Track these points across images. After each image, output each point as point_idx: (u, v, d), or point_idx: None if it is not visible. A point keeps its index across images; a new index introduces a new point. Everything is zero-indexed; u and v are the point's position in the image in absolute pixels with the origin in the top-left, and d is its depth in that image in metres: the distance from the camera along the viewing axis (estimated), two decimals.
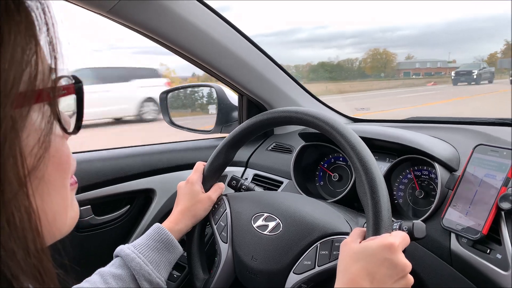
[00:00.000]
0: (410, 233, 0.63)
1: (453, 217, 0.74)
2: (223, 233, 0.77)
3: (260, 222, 0.73)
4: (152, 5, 0.86)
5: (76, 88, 0.33)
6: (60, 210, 0.34)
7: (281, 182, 1.13)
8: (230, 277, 0.75)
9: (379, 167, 1.00)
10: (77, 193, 0.97)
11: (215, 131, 1.41)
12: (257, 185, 1.19)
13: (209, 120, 1.41)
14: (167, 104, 1.51)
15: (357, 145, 0.63)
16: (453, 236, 0.75)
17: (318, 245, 0.66)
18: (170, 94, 1.51)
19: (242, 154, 1.27)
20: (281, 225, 0.71)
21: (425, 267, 0.80)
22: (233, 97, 1.36)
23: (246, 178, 1.22)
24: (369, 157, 0.62)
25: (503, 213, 0.69)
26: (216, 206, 0.82)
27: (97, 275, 0.73)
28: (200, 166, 0.86)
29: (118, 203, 1.06)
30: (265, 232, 0.72)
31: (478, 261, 0.69)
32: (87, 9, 0.80)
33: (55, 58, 0.29)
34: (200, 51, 1.04)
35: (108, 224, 1.03)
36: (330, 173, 1.10)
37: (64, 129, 0.33)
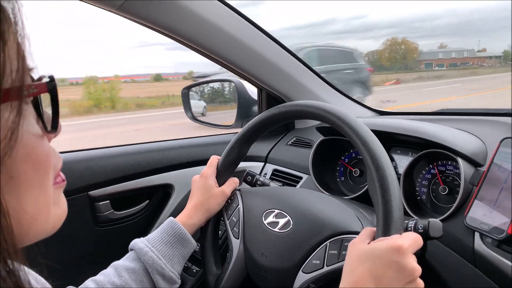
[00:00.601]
0: (426, 232, 0.60)
1: (477, 215, 0.70)
2: (235, 228, 0.76)
3: (271, 218, 0.72)
4: (163, 2, 0.86)
5: (49, 86, 0.32)
6: (41, 209, 0.34)
7: (300, 178, 1.11)
8: (241, 273, 0.74)
9: (402, 162, 0.98)
10: (96, 188, 1.00)
11: (236, 126, 1.40)
12: (276, 180, 1.19)
13: None
14: (189, 100, 1.52)
15: (369, 141, 0.60)
16: (477, 235, 0.71)
17: (328, 244, 0.64)
18: (192, 90, 1.52)
19: (261, 149, 1.26)
20: (291, 223, 0.70)
21: (447, 267, 0.76)
22: (253, 91, 1.34)
23: (266, 174, 1.21)
24: (381, 153, 0.59)
25: None
26: (229, 201, 0.81)
27: (112, 268, 0.74)
28: (214, 160, 0.85)
29: (137, 198, 1.08)
30: (275, 229, 0.70)
31: (503, 262, 0.65)
32: (98, 6, 0.81)
33: (23, 57, 0.29)
34: (213, 46, 1.03)
35: (128, 219, 1.05)
36: (351, 168, 1.07)
37: (44, 128, 0.33)
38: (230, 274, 0.75)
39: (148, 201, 1.09)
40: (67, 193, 0.98)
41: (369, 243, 0.55)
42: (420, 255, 0.80)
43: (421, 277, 0.80)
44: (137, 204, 1.07)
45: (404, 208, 0.86)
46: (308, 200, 0.74)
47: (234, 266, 0.74)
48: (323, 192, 1.01)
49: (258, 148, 1.27)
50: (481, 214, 0.70)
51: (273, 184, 0.91)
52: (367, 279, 0.51)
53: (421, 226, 0.60)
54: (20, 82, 0.28)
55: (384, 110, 1.43)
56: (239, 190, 0.83)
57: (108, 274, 0.73)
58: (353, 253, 0.54)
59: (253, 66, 1.12)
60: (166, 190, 1.10)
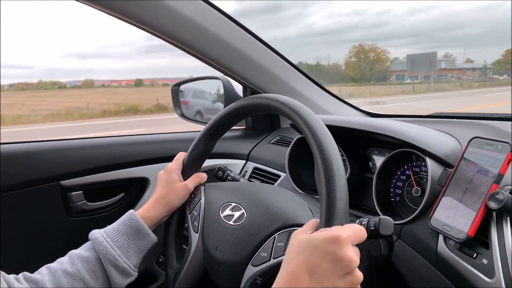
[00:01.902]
0: (377, 229, 0.58)
1: (442, 217, 0.68)
2: (195, 222, 0.75)
3: (227, 211, 0.71)
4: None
5: None
6: None
7: (279, 176, 1.09)
8: (199, 268, 0.73)
9: (378, 163, 0.95)
10: (68, 178, 1.00)
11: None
12: (256, 178, 1.17)
13: None
14: (179, 97, 1.52)
15: (317, 130, 0.58)
16: (441, 237, 0.68)
17: (276, 236, 0.63)
18: (181, 87, 1.52)
19: (244, 147, 1.25)
20: (245, 215, 0.68)
21: (410, 269, 0.73)
22: (240, 88, 1.34)
23: (246, 171, 1.19)
24: (329, 144, 0.57)
25: (494, 214, 0.62)
26: (192, 195, 0.80)
27: (67, 256, 0.73)
28: (181, 156, 0.84)
29: (112, 191, 1.07)
30: (230, 222, 0.69)
31: (462, 266, 0.63)
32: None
33: None
34: (197, 44, 1.03)
35: (102, 211, 1.04)
36: None
37: None
38: (188, 268, 0.73)
39: (123, 193, 1.08)
40: (37, 181, 0.99)
41: (310, 234, 0.53)
42: (386, 258, 0.78)
43: (386, 280, 0.78)
44: (112, 196, 1.07)
45: (374, 209, 0.84)
46: (264, 194, 0.72)
47: (192, 260, 0.73)
48: (297, 190, 0.99)
49: (241, 146, 1.26)
50: (445, 215, 0.67)
51: (243, 180, 0.90)
52: (302, 269, 0.49)
53: (373, 223, 0.58)
54: None
55: (375, 112, 1.41)
56: (203, 185, 0.82)
57: (62, 262, 0.72)
58: (292, 244, 0.53)
59: (235, 64, 1.12)
60: (142, 184, 1.10)
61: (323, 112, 1.29)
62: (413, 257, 0.73)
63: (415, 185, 0.83)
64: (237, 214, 0.69)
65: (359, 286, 0.51)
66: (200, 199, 0.77)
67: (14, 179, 0.93)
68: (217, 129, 0.79)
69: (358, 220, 0.62)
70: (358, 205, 0.95)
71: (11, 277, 0.66)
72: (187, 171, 0.82)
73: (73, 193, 0.99)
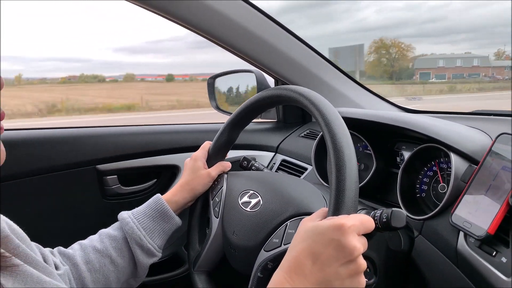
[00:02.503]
0: (388, 221, 0.58)
1: (463, 213, 0.66)
2: (216, 208, 0.78)
3: (245, 198, 0.73)
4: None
5: None
6: None
7: (306, 169, 1.10)
8: (219, 252, 0.76)
9: (406, 157, 0.93)
10: (103, 163, 1.07)
11: (264, 117, 1.42)
12: (283, 170, 1.18)
13: None
14: (214, 90, 1.56)
15: (331, 121, 0.58)
16: (461, 234, 0.67)
17: (288, 223, 0.64)
18: (217, 80, 1.55)
19: (274, 139, 1.27)
20: (261, 202, 0.70)
21: (429, 265, 0.72)
22: (273, 82, 1.35)
23: (274, 163, 1.21)
24: (342, 134, 0.57)
25: None
26: (215, 183, 0.83)
27: (98, 234, 0.79)
28: (206, 144, 0.88)
29: (145, 176, 1.13)
30: (247, 209, 0.71)
31: (481, 264, 0.61)
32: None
33: None
34: (230, 39, 1.06)
35: (135, 195, 1.10)
36: (357, 162, 1.04)
37: None
38: (207, 251, 0.77)
39: (156, 180, 1.14)
40: (76, 164, 1.06)
41: (318, 222, 0.54)
42: (406, 253, 0.77)
43: (405, 276, 0.77)
44: (145, 182, 1.12)
45: (398, 204, 0.83)
46: (281, 183, 0.74)
47: (211, 243, 0.76)
48: (322, 183, 0.99)
49: (271, 138, 1.27)
50: (466, 212, 0.65)
51: (266, 170, 0.91)
52: (305, 255, 0.50)
53: (385, 215, 0.58)
54: None
55: (411, 108, 1.38)
56: (227, 173, 0.85)
57: (92, 239, 0.78)
58: (299, 230, 0.54)
59: (267, 58, 1.13)
60: (173, 171, 1.14)
61: (355, 105, 1.28)
62: (433, 253, 0.72)
63: (441, 182, 0.81)
64: (254, 201, 0.71)
65: (362, 275, 0.52)
66: (222, 186, 0.80)
67: (55, 162, 1.01)
68: (240, 120, 0.81)
69: (372, 212, 0.63)
70: (384, 200, 0.94)
71: (47, 250, 0.72)
72: (212, 160, 0.85)
73: (108, 177, 1.06)
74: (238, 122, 0.82)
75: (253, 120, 1.41)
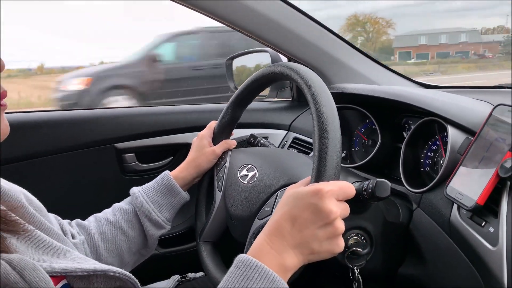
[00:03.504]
0: (373, 191, 0.59)
1: (456, 185, 0.66)
2: (219, 183, 0.81)
3: (243, 172, 0.76)
4: None
5: None
6: None
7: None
8: (222, 223, 0.80)
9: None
10: (122, 141, 1.13)
11: (270, 96, 1.44)
12: (294, 148, 1.21)
13: None
14: (232, 70, 1.58)
15: (317, 92, 0.60)
16: (455, 206, 0.67)
17: (278, 193, 0.67)
18: (234, 60, 1.58)
19: (286, 117, 1.29)
20: (257, 175, 0.73)
21: (426, 237, 0.73)
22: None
23: (286, 141, 1.23)
24: (326, 105, 0.59)
25: (508, 183, 0.59)
26: (220, 159, 0.87)
27: (111, 207, 0.85)
28: (212, 124, 0.92)
29: (161, 154, 1.18)
30: (244, 181, 0.74)
31: (470, 234, 0.62)
32: None
33: None
34: (240, 20, 1.07)
35: (153, 172, 1.16)
36: (365, 138, 1.05)
37: None
38: (211, 222, 0.81)
39: (172, 157, 1.19)
40: (94, 142, 1.13)
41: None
42: (405, 226, 0.78)
43: (404, 248, 0.78)
44: (161, 159, 1.18)
45: (399, 178, 0.83)
46: (278, 157, 0.76)
47: (215, 216, 0.80)
48: None
49: (284, 116, 1.29)
50: (460, 184, 0.66)
51: (272, 147, 0.94)
52: (285, 218, 0.53)
53: (371, 186, 0.60)
54: None
55: (431, 84, 1.35)
56: (231, 150, 0.88)
57: (106, 212, 0.84)
58: (283, 197, 0.56)
59: (279, 38, 1.14)
60: (187, 149, 1.19)
61: (370, 82, 1.27)
62: (430, 225, 0.73)
63: (443, 155, 0.81)
64: (250, 174, 0.74)
65: (340, 238, 0.54)
66: (226, 163, 0.84)
67: (77, 141, 1.08)
68: (242, 99, 0.84)
69: (362, 183, 0.64)
70: (391, 175, 0.94)
71: (65, 221, 0.79)
72: (217, 138, 0.89)
73: (126, 154, 1.12)
74: (240, 102, 0.85)
75: (269, 99, 1.44)
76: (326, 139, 0.56)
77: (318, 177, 0.55)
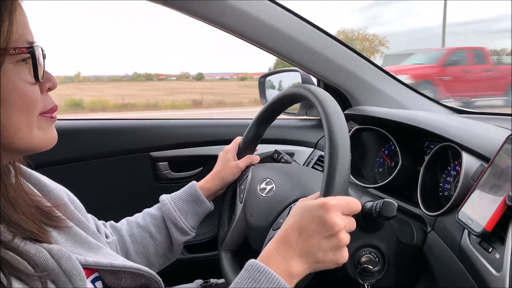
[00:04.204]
0: (380, 210, 0.63)
1: (468, 210, 0.68)
2: (241, 194, 0.87)
3: (262, 185, 0.81)
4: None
5: (29, 50, 0.49)
6: (24, 125, 0.49)
7: None
8: (242, 233, 0.85)
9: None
10: (156, 150, 1.22)
11: (300, 114, 1.49)
12: (320, 165, 1.24)
13: None
14: (265, 88, 1.65)
15: (331, 114, 0.64)
16: (466, 231, 0.69)
17: (292, 206, 0.71)
18: (267, 78, 1.65)
19: (314, 135, 1.33)
20: (274, 188, 0.78)
21: (438, 260, 0.75)
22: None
23: (312, 159, 1.27)
24: (338, 126, 0.63)
25: None
26: (243, 173, 0.92)
27: (142, 212, 0.92)
28: (238, 139, 0.99)
29: (193, 164, 1.26)
30: (263, 194, 0.79)
31: (478, 259, 0.63)
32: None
33: (10, 26, 0.46)
34: (268, 43, 1.13)
35: (184, 180, 1.24)
36: (388, 160, 1.07)
37: (35, 77, 0.49)
38: (232, 231, 0.86)
39: (202, 168, 1.26)
40: (132, 150, 1.22)
41: None
42: (419, 247, 0.79)
43: (417, 270, 0.80)
44: (192, 169, 1.26)
45: (416, 201, 0.85)
46: (296, 173, 0.81)
47: (235, 225, 0.86)
48: (352, 180, 1.04)
49: (311, 134, 1.34)
50: (471, 209, 0.68)
51: (294, 163, 0.99)
52: (293, 229, 0.58)
53: (379, 205, 0.63)
54: (4, 45, 0.45)
55: (462, 109, 1.35)
56: (253, 165, 0.94)
57: (137, 216, 0.91)
58: (293, 209, 0.61)
59: (307, 60, 1.19)
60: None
61: (398, 105, 1.29)
62: (442, 248, 0.74)
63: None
64: (269, 187, 0.80)
65: (344, 249, 0.58)
66: (248, 176, 0.89)
67: (115, 148, 1.18)
68: (266, 117, 0.90)
69: (371, 202, 0.68)
70: (410, 197, 0.96)
71: (100, 222, 0.86)
72: (241, 153, 0.95)
73: (160, 163, 1.21)
74: (264, 120, 0.90)
75: (298, 117, 1.49)
76: (336, 157, 0.60)
77: (327, 192, 0.60)
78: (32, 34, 0.51)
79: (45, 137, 0.53)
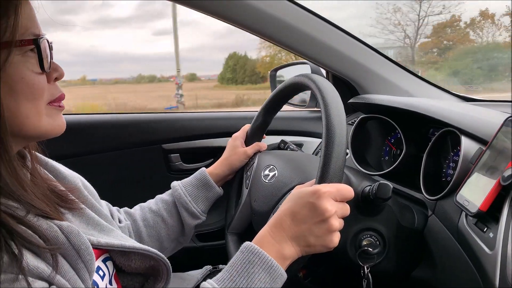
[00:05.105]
0: (376, 192, 0.65)
1: (465, 193, 0.69)
2: (247, 181, 0.90)
3: (266, 172, 0.84)
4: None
5: (34, 42, 0.52)
6: (32, 113, 0.53)
7: (347, 154, 1.16)
8: (247, 217, 0.88)
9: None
10: (168, 142, 1.26)
11: (310, 106, 1.50)
12: None
13: None
14: (276, 82, 1.67)
15: (329, 103, 0.66)
16: (464, 213, 0.70)
17: (292, 191, 0.73)
18: (278, 72, 1.67)
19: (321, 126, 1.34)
20: (276, 174, 0.80)
21: (437, 241, 0.77)
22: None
23: (320, 149, 1.29)
24: (335, 115, 0.65)
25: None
26: (250, 160, 0.95)
27: (155, 198, 0.96)
28: (246, 127, 1.02)
29: (203, 155, 1.30)
30: (266, 180, 0.82)
31: (472, 239, 0.65)
32: None
33: (15, 20, 0.49)
34: (277, 36, 1.15)
35: (195, 171, 1.27)
36: (394, 148, 1.08)
37: (41, 68, 0.53)
38: (238, 216, 0.90)
39: (212, 159, 1.30)
40: (145, 142, 1.27)
41: None
42: (420, 231, 0.81)
43: (417, 255, 0.81)
44: (203, 161, 1.29)
45: (418, 185, 0.86)
46: (298, 160, 0.83)
47: (241, 210, 0.89)
48: (357, 168, 1.05)
49: (319, 125, 1.35)
50: (468, 191, 0.69)
51: (299, 151, 1.01)
52: (286, 214, 0.60)
53: (375, 188, 0.65)
54: (10, 37, 0.49)
55: (470, 96, 1.34)
56: (260, 152, 0.97)
57: (150, 202, 0.95)
58: (289, 195, 0.64)
59: (315, 52, 1.20)
60: None
61: (405, 93, 1.29)
62: (442, 231, 0.76)
63: None
64: (271, 174, 0.82)
65: (335, 234, 0.60)
66: (254, 163, 0.92)
67: (129, 140, 1.22)
68: (271, 106, 0.93)
69: (369, 186, 0.70)
70: (415, 183, 0.97)
71: (115, 208, 0.91)
72: (249, 140, 0.98)
73: (172, 155, 1.25)
74: (269, 108, 0.93)
75: (308, 109, 1.51)
76: (332, 146, 0.63)
77: (321, 179, 0.62)
78: (39, 27, 0.55)
79: (53, 124, 0.57)
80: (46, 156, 0.68)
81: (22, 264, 0.45)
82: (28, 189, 0.53)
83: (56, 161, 0.72)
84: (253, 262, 0.57)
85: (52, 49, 0.57)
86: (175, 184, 0.95)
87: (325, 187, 0.60)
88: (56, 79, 0.58)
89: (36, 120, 0.54)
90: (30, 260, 0.47)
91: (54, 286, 0.49)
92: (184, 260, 0.99)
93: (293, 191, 0.64)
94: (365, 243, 0.76)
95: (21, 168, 0.54)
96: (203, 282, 0.57)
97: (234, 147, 0.97)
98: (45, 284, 0.48)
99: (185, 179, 0.96)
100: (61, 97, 0.58)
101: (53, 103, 0.57)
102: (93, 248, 0.59)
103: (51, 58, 0.57)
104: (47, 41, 0.55)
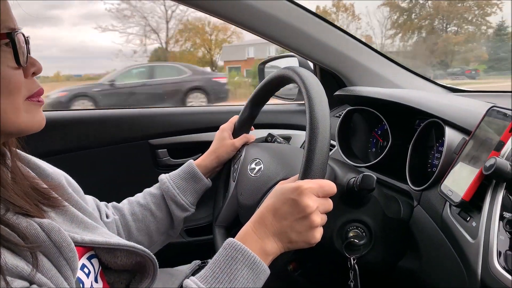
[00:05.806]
0: (359, 184, 0.65)
1: (449, 183, 0.70)
2: (234, 173, 0.90)
3: (252, 165, 0.84)
4: None
5: (8, 36, 0.51)
6: (10, 109, 0.52)
7: (334, 146, 1.16)
8: (234, 211, 0.88)
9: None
10: (155, 138, 1.25)
11: (298, 99, 1.50)
12: None
13: None
14: (264, 75, 1.67)
15: (313, 97, 0.66)
16: (448, 203, 0.71)
17: (275, 187, 0.73)
18: (266, 65, 1.66)
19: None
20: (262, 168, 0.80)
21: (422, 232, 0.77)
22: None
23: (291, 137, 1.30)
24: (319, 110, 0.64)
25: (494, 180, 0.62)
26: (238, 152, 0.95)
27: (142, 192, 0.95)
28: (234, 118, 1.01)
29: (191, 150, 1.29)
30: (252, 174, 0.82)
31: (456, 228, 0.66)
32: None
33: None
34: (263, 29, 1.14)
35: None
36: (381, 140, 1.09)
37: (17, 62, 0.52)
38: (225, 209, 0.90)
39: (200, 154, 1.29)
40: (131, 138, 1.26)
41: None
42: (406, 222, 0.81)
43: (403, 245, 0.82)
44: (191, 155, 1.28)
45: (404, 176, 0.87)
46: (285, 153, 0.83)
47: (228, 203, 0.89)
48: (344, 160, 1.05)
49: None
50: (451, 181, 0.69)
51: (286, 144, 1.01)
52: (268, 210, 0.61)
53: (359, 179, 0.65)
54: None
55: (456, 87, 1.35)
56: (248, 144, 0.96)
57: (138, 196, 0.95)
58: (272, 190, 0.64)
59: (302, 45, 1.20)
60: None
61: (393, 85, 1.30)
62: (427, 221, 0.76)
63: None
64: (257, 167, 0.82)
65: (317, 230, 0.60)
66: (241, 156, 0.92)
67: (115, 136, 1.21)
68: (258, 98, 0.93)
69: (354, 178, 0.70)
70: (401, 175, 0.97)
71: (102, 203, 0.90)
72: (237, 132, 0.98)
73: (159, 150, 1.24)
74: (256, 101, 0.93)
75: (296, 102, 1.50)
76: (315, 141, 0.62)
77: (304, 175, 0.62)
78: (14, 21, 0.53)
79: (32, 120, 0.56)
80: (26, 153, 0.67)
81: (0, 263, 0.45)
82: (8, 187, 0.52)
83: (42, 158, 0.71)
84: (236, 258, 0.57)
85: (28, 43, 0.55)
86: (162, 177, 0.94)
87: (307, 183, 0.60)
88: (34, 73, 0.57)
89: (14, 116, 0.53)
90: (8, 259, 0.46)
91: (35, 285, 0.48)
92: (173, 255, 0.99)
93: (276, 187, 0.64)
94: (351, 235, 0.76)
95: (3, 166, 0.53)
96: (186, 280, 0.57)
97: (222, 139, 0.97)
98: (25, 283, 0.47)
99: (173, 172, 0.95)
100: (40, 92, 0.57)
101: (31, 98, 0.56)
102: (78, 245, 0.58)
103: (28, 52, 0.55)
104: (23, 35, 0.54)
